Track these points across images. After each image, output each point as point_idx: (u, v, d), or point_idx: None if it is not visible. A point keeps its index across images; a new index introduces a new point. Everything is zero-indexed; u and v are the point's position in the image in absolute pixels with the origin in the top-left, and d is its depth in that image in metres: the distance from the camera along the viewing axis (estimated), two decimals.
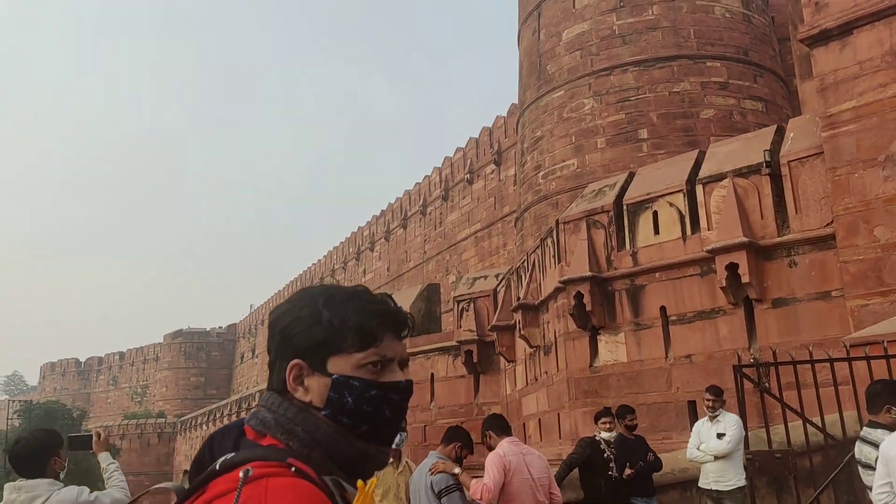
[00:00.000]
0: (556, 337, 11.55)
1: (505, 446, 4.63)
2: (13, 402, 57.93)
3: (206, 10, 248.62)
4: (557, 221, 11.55)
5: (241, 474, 0.90)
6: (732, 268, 8.87)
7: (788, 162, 8.87)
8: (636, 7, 18.33)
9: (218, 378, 63.48)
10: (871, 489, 3.60)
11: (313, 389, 1.04)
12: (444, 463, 4.44)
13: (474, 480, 4.44)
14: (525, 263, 13.72)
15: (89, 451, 3.99)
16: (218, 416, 40.67)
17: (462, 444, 4.52)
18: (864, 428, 3.89)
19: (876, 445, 3.63)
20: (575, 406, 10.71)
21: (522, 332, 12.91)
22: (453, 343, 15.98)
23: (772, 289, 8.90)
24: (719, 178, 9.49)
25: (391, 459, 4.66)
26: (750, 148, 9.63)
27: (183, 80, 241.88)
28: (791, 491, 6.26)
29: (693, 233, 9.68)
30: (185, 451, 45.90)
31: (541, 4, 20.21)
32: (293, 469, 0.94)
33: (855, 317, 7.82)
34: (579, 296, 10.38)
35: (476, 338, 15.37)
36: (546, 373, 12.15)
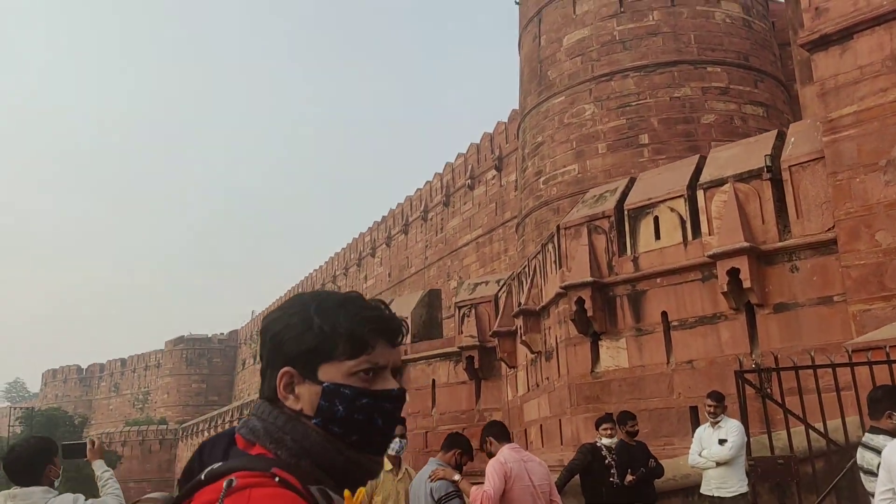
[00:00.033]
0: (557, 343, 11.53)
1: (506, 453, 4.61)
2: (14, 409, 57.88)
3: (202, 12, 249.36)
4: (558, 227, 11.54)
5: (224, 484, 0.90)
6: (734, 273, 8.85)
7: (789, 167, 8.85)
8: (636, 13, 18.36)
9: (219, 384, 63.46)
10: (873, 496, 3.57)
11: (304, 397, 1.03)
12: (444, 470, 4.42)
13: (474, 487, 4.42)
14: (526, 269, 13.71)
15: (83, 459, 3.98)
16: (219, 422, 40.64)
17: (462, 450, 4.49)
18: (866, 434, 3.87)
19: (878, 451, 3.60)
20: (576, 412, 10.68)
21: (524, 338, 12.88)
22: (455, 349, 15.95)
23: (773, 294, 8.88)
24: (720, 183, 9.48)
25: (391, 466, 4.64)
26: (751, 153, 9.62)
27: (190, 80, 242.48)
28: (794, 497, 6.22)
29: (694, 238, 9.66)
30: (187, 457, 45.53)
31: (541, 10, 20.24)
32: (277, 479, 0.93)
33: (857, 322, 7.79)
34: (580, 301, 10.36)
35: (477, 343, 15.35)
36: (547, 378, 12.12)
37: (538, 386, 12.68)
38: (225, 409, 45.84)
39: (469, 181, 31.57)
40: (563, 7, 19.55)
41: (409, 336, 17.06)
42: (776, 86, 18.68)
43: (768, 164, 9.04)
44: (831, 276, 8.38)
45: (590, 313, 10.32)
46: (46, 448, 3.32)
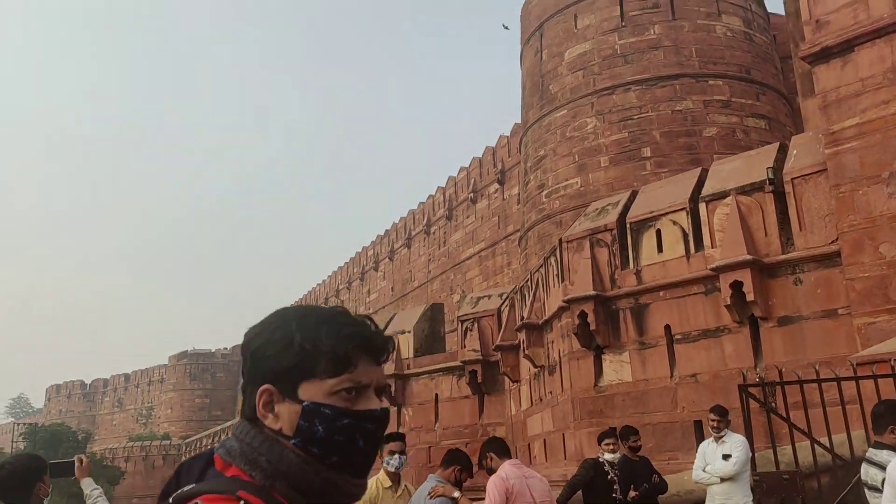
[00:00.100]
0: (560, 356, 11.47)
1: (507, 469, 4.56)
2: (18, 424, 57.79)
3: (200, 16, 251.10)
4: (561, 240, 11.52)
5: None
6: (737, 286, 8.81)
7: (792, 179, 8.83)
8: (638, 27, 18.42)
9: (223, 399, 63.26)
10: None
11: (283, 417, 1.00)
12: (444, 486, 4.38)
13: None
14: (529, 282, 13.67)
15: (71, 478, 3.94)
16: (223, 437, 40.46)
17: (462, 466, 4.45)
18: (870, 449, 3.82)
19: (882, 467, 3.55)
20: (580, 426, 10.60)
21: (527, 352, 12.83)
22: (457, 363, 15.88)
23: (777, 307, 8.83)
24: (722, 195, 9.46)
25: (390, 483, 4.60)
26: (753, 165, 9.60)
27: (195, 88, 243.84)
28: None
29: (697, 251, 9.63)
30: None
31: (543, 25, 20.34)
32: (241, 502, 0.91)
33: (862, 335, 7.73)
34: (583, 315, 10.32)
35: (480, 358, 15.28)
36: (551, 393, 12.05)
37: (541, 400, 12.61)
38: (228, 424, 45.72)
39: (472, 195, 31.60)
40: (564, 21, 19.64)
41: (411, 350, 17.01)
42: (778, 98, 18.69)
43: (770, 176, 9.02)
44: (835, 289, 8.33)
45: (593, 327, 10.27)
46: (36, 466, 3.29)
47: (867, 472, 3.74)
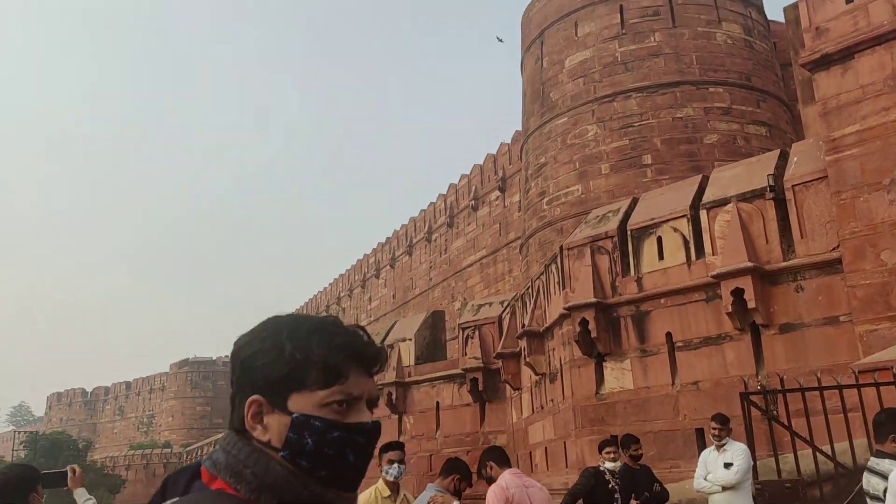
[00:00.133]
0: (561, 364, 11.44)
1: (507, 478, 4.53)
2: (19, 433, 57.69)
3: (195, 24, 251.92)
4: (561, 247, 11.50)
5: None
6: (738, 293, 8.79)
7: (793, 186, 8.82)
8: (638, 34, 18.46)
9: (224, 407, 62.98)
10: None
11: (272, 428, 0.98)
12: (443, 496, 4.35)
13: None
14: (530, 290, 13.65)
15: (64, 488, 3.92)
16: None
17: (461, 476, 4.42)
18: (871, 458, 3.79)
19: (884, 476, 3.53)
20: (581, 434, 10.57)
21: (528, 360, 12.80)
22: (459, 371, 15.85)
23: (779, 314, 8.80)
24: (723, 202, 9.45)
25: (388, 492, 4.57)
26: (753, 172, 9.59)
27: (195, 95, 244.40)
28: None
29: (698, 258, 9.61)
30: None
31: (543, 32, 20.38)
32: None
33: (864, 342, 7.71)
34: (584, 322, 10.29)
35: (481, 365, 15.25)
36: (552, 400, 12.02)
37: (543, 408, 12.57)
38: None
39: (473, 202, 31.61)
40: (565, 29, 19.68)
41: (412, 358, 16.98)
42: (779, 105, 18.70)
43: (771, 183, 9.01)
44: (837, 296, 8.30)
45: (594, 334, 10.25)
46: (30, 476, 3.27)
47: (869, 482, 3.71)
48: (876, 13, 8.18)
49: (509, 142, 29.42)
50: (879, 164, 7.92)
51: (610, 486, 6.47)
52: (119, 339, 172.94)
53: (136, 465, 48.05)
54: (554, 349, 11.96)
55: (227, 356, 66.29)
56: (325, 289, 53.71)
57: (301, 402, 0.97)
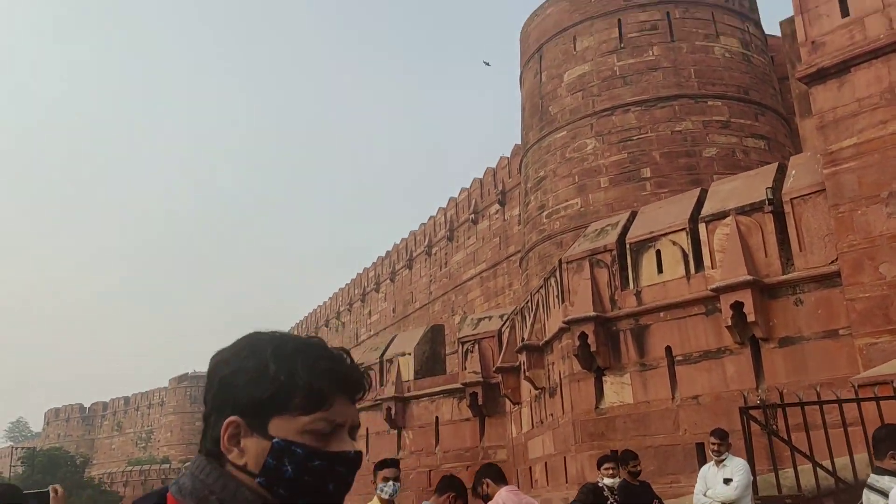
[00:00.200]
0: (561, 378, 11.39)
1: (504, 495, 4.50)
2: (17, 448, 57.42)
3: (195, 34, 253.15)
4: (560, 261, 11.48)
5: None
6: (738, 307, 8.76)
7: (791, 199, 8.82)
8: (636, 48, 18.54)
9: None
10: None
11: (249, 452, 0.94)
12: None
13: None
14: (529, 303, 13.62)
15: None
16: None
17: (456, 493, 4.38)
18: (871, 475, 3.75)
19: (884, 493, 3.49)
20: (581, 449, 10.50)
21: (527, 374, 12.74)
22: (458, 385, 15.78)
23: (778, 328, 8.77)
24: (722, 215, 9.44)
25: None
26: (752, 185, 9.59)
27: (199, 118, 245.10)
28: None
29: (697, 271, 9.59)
30: None
31: (542, 47, 20.47)
32: None
33: (863, 356, 7.67)
34: (583, 336, 10.25)
35: (481, 380, 15.19)
36: (552, 415, 11.95)
37: (542, 423, 12.50)
38: None
39: (473, 216, 31.63)
40: (563, 43, 19.77)
41: (411, 372, 16.91)
42: (777, 119, 18.75)
43: (770, 196, 9.01)
44: (836, 310, 8.28)
45: (593, 348, 10.21)
46: (11, 494, 3.24)
47: (868, 499, 3.67)
48: (872, 27, 8.21)
49: (509, 155, 29.47)
50: (877, 177, 7.92)
51: (609, 502, 6.42)
52: (119, 339, 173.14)
53: (134, 482, 47.77)
54: (553, 363, 11.91)
55: None
56: (324, 303, 53.61)
57: (283, 427, 0.94)
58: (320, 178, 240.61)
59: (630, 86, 18.31)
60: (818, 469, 5.89)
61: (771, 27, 20.62)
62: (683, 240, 9.85)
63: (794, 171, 9.22)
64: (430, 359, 17.65)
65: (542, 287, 12.79)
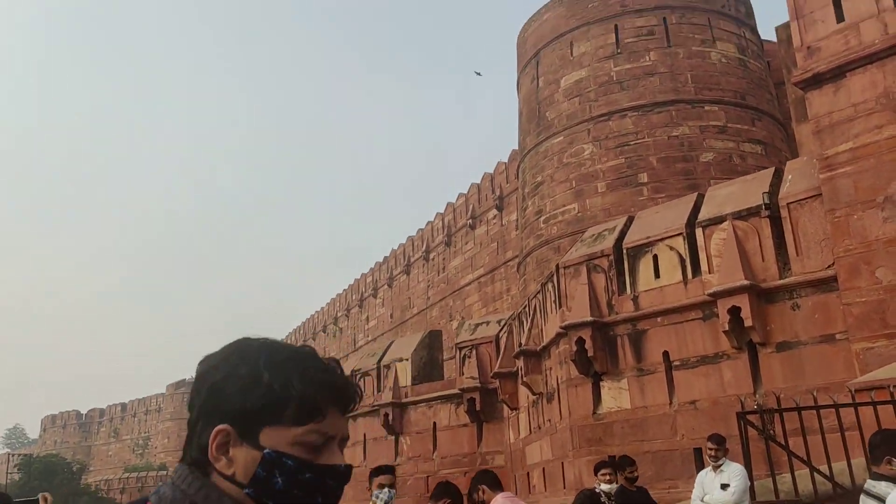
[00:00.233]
0: (558, 384, 11.37)
1: (500, 502, 4.48)
2: (13, 455, 57.21)
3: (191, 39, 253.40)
4: (557, 266, 11.48)
5: None
6: (735, 311, 8.76)
7: (787, 204, 8.83)
8: (633, 54, 18.58)
9: None
10: None
11: (238, 462, 0.92)
12: None
13: None
14: (527, 309, 13.60)
15: None
16: None
17: (452, 500, 4.37)
18: (867, 481, 3.75)
19: (881, 499, 3.48)
20: (579, 455, 10.48)
21: (525, 379, 12.72)
22: (456, 391, 15.76)
23: (775, 332, 8.77)
24: (719, 220, 9.45)
25: None
26: (748, 190, 9.60)
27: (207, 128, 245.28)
28: None
29: (694, 276, 9.59)
30: None
31: (539, 52, 20.52)
32: None
33: (860, 360, 7.67)
34: (581, 341, 10.24)
35: (478, 385, 15.16)
36: (549, 420, 11.93)
37: (540, 428, 12.47)
38: None
39: (470, 221, 31.64)
40: (560, 49, 19.81)
41: (408, 378, 16.88)
42: (773, 124, 18.80)
43: (766, 201, 9.02)
44: (833, 314, 8.28)
45: (590, 353, 10.19)
46: (3, 502, 3.23)
47: None
48: (867, 32, 8.23)
49: (506, 161, 29.50)
50: (873, 181, 7.93)
51: None
52: (118, 339, 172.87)
53: (131, 489, 47.55)
54: (551, 368, 11.89)
55: None
56: (322, 308, 53.55)
57: (274, 438, 0.92)
58: (320, 179, 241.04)
59: (627, 91, 18.35)
60: (815, 474, 5.88)
61: (767, 32, 20.73)
62: (680, 245, 9.86)
63: (790, 176, 9.24)
64: (428, 364, 17.62)
65: (539, 292, 12.79)
